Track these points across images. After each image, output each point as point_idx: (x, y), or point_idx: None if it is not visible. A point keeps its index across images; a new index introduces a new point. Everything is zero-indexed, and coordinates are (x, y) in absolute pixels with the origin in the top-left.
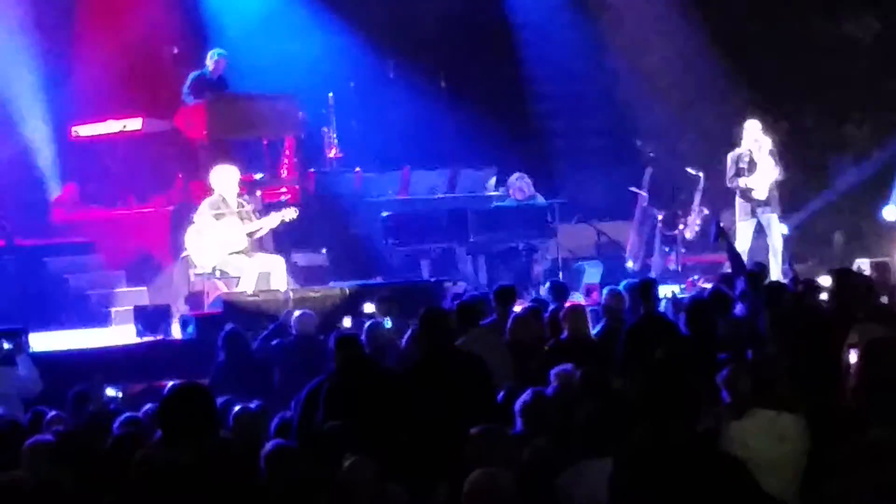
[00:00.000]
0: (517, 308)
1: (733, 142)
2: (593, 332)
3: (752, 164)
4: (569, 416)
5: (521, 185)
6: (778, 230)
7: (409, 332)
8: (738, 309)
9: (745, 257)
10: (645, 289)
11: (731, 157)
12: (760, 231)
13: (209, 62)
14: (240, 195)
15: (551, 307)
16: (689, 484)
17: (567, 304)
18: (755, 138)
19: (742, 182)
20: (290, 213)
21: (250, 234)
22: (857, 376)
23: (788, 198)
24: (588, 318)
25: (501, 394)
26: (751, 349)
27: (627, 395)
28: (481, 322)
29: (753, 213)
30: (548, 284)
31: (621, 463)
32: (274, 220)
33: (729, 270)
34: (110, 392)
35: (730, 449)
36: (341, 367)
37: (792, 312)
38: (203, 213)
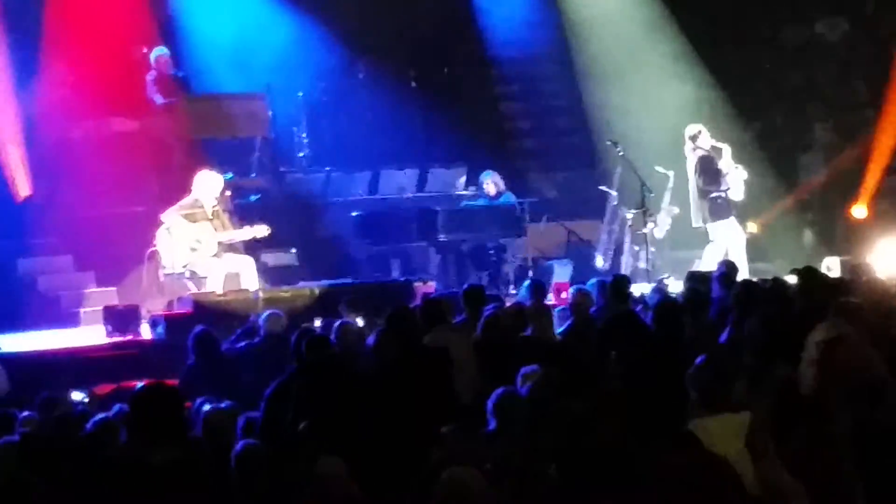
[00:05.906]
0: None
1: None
2: (559, 330)
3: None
4: (542, 416)
5: (493, 181)
6: (741, 231)
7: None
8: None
9: (722, 255)
10: (616, 286)
11: (700, 163)
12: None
13: (153, 64)
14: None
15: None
16: (672, 481)
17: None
18: (711, 143)
19: (723, 188)
20: (263, 231)
21: (220, 243)
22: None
23: (759, 197)
24: (552, 318)
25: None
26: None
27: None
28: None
29: (730, 212)
30: (527, 282)
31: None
32: (246, 234)
33: (698, 269)
34: (76, 396)
35: None
36: (312, 367)
37: (763, 310)
38: (172, 213)
